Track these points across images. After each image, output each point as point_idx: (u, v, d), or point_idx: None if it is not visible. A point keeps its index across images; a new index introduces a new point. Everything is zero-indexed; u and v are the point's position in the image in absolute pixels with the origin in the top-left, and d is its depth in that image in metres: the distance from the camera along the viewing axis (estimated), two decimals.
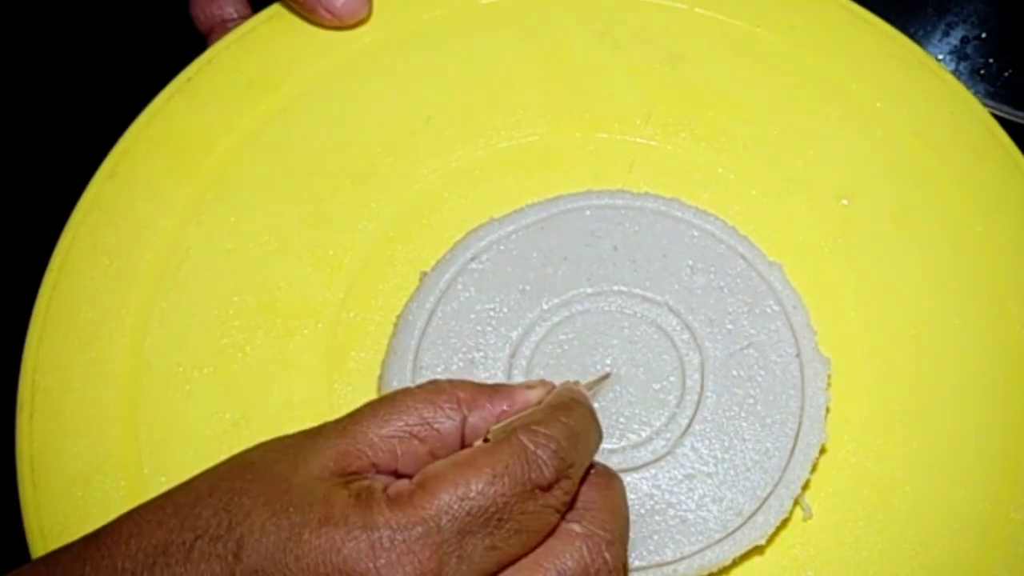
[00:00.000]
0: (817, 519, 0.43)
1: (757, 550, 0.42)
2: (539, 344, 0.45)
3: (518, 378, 0.44)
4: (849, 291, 0.48)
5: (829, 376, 0.45)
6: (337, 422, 0.34)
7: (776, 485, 0.42)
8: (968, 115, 0.52)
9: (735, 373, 0.44)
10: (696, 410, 0.44)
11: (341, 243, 0.49)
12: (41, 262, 0.47)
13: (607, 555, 0.32)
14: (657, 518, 0.41)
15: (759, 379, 0.44)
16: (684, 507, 0.41)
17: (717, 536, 0.41)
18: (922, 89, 0.52)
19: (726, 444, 0.43)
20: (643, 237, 0.47)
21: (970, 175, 0.51)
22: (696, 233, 0.47)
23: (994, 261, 0.49)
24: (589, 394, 0.38)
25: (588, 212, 0.48)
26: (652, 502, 0.42)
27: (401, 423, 0.33)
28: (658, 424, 0.43)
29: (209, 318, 0.46)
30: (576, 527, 0.32)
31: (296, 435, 0.34)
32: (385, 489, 0.31)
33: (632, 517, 0.41)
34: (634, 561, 0.40)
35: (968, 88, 0.54)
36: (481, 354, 0.45)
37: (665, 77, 0.53)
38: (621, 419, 0.43)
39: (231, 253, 0.48)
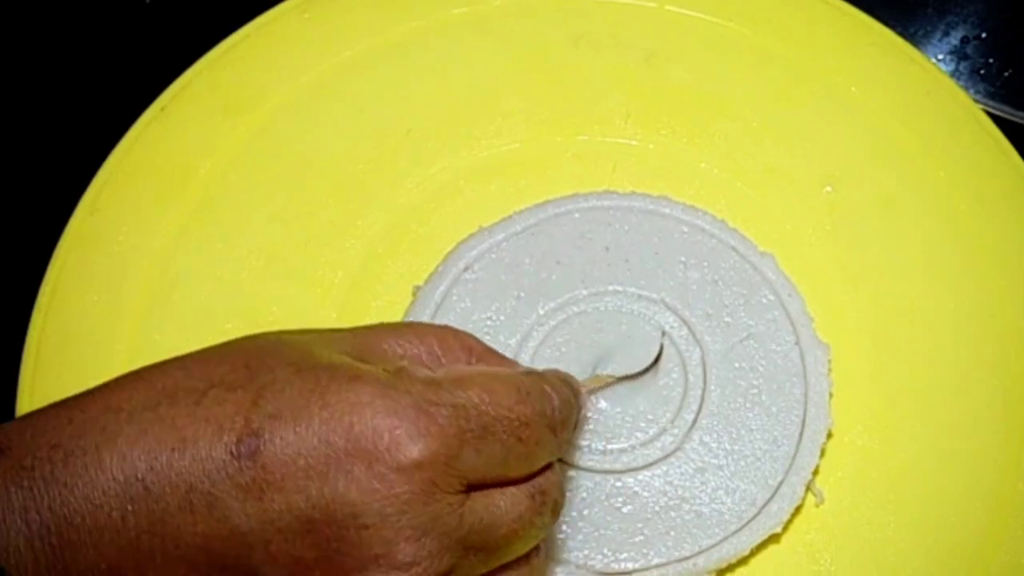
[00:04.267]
0: (829, 504, 0.43)
1: (773, 538, 0.42)
2: (538, 348, 0.45)
3: None
4: (840, 277, 0.49)
5: (829, 361, 0.45)
6: (352, 328, 0.34)
7: (787, 473, 0.42)
8: (946, 97, 0.52)
9: (737, 365, 0.45)
10: (701, 404, 0.43)
11: (330, 262, 0.48)
12: (27, 292, 0.46)
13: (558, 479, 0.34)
14: (672, 514, 0.41)
15: (761, 369, 0.44)
16: (698, 501, 0.41)
17: (733, 527, 0.41)
18: (898, 74, 0.53)
19: (734, 436, 0.43)
20: (634, 236, 0.47)
21: (950, 156, 0.51)
22: (686, 229, 0.48)
23: (980, 240, 0.49)
24: (585, 393, 0.41)
25: (577, 215, 0.48)
26: (666, 499, 0.41)
27: (413, 346, 0.34)
28: (664, 421, 0.43)
29: (203, 346, 0.46)
30: None
31: (307, 329, 0.34)
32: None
33: (647, 514, 0.41)
34: (652, 559, 0.40)
35: (968, 88, 0.55)
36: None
37: (642, 77, 0.53)
38: (627, 418, 0.43)
39: (220, 280, 0.47)
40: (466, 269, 0.46)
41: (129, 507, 0.28)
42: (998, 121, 0.53)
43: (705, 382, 0.44)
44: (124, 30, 0.60)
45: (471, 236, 0.48)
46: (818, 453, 0.43)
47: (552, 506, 0.33)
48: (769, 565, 0.42)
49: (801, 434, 0.43)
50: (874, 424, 0.45)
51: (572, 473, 0.42)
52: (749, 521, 0.41)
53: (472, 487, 0.31)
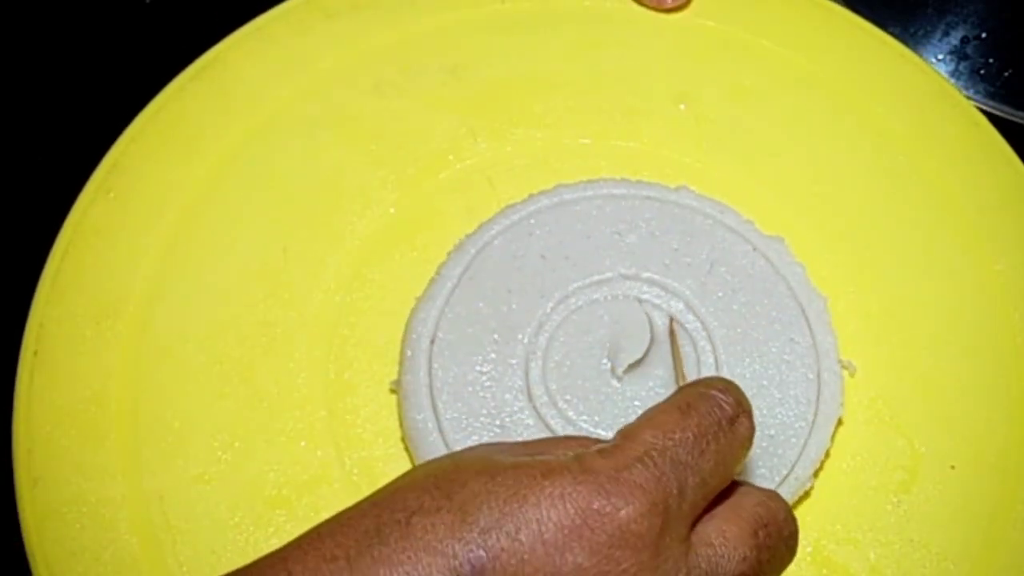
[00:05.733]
0: (832, 490, 0.43)
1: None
2: (548, 346, 0.44)
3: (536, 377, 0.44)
4: (837, 277, 0.49)
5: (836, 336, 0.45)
6: (511, 443, 0.36)
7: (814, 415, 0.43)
8: (943, 97, 0.53)
9: (746, 347, 0.44)
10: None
11: (321, 272, 0.48)
12: (24, 293, 0.46)
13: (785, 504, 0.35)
14: None
15: (772, 352, 0.44)
16: None
17: (784, 472, 0.42)
18: (895, 75, 0.53)
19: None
20: (629, 222, 0.47)
21: (949, 156, 0.51)
22: (677, 210, 0.48)
23: (979, 240, 0.50)
24: None
25: (565, 206, 0.48)
26: None
27: (574, 441, 0.34)
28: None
29: (200, 351, 0.45)
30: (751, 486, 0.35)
31: (468, 449, 0.36)
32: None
33: None
34: None
35: (968, 88, 0.55)
36: (490, 366, 0.44)
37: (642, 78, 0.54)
38: (644, 399, 0.43)
39: (216, 284, 0.47)
40: (465, 271, 0.46)
41: None
42: (998, 121, 0.53)
43: (717, 364, 0.44)
44: (124, 30, 0.60)
45: (467, 237, 0.47)
46: (830, 437, 0.43)
47: (785, 540, 0.34)
48: None
49: (817, 407, 0.43)
50: (885, 404, 0.45)
51: None
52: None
53: (694, 524, 0.32)
